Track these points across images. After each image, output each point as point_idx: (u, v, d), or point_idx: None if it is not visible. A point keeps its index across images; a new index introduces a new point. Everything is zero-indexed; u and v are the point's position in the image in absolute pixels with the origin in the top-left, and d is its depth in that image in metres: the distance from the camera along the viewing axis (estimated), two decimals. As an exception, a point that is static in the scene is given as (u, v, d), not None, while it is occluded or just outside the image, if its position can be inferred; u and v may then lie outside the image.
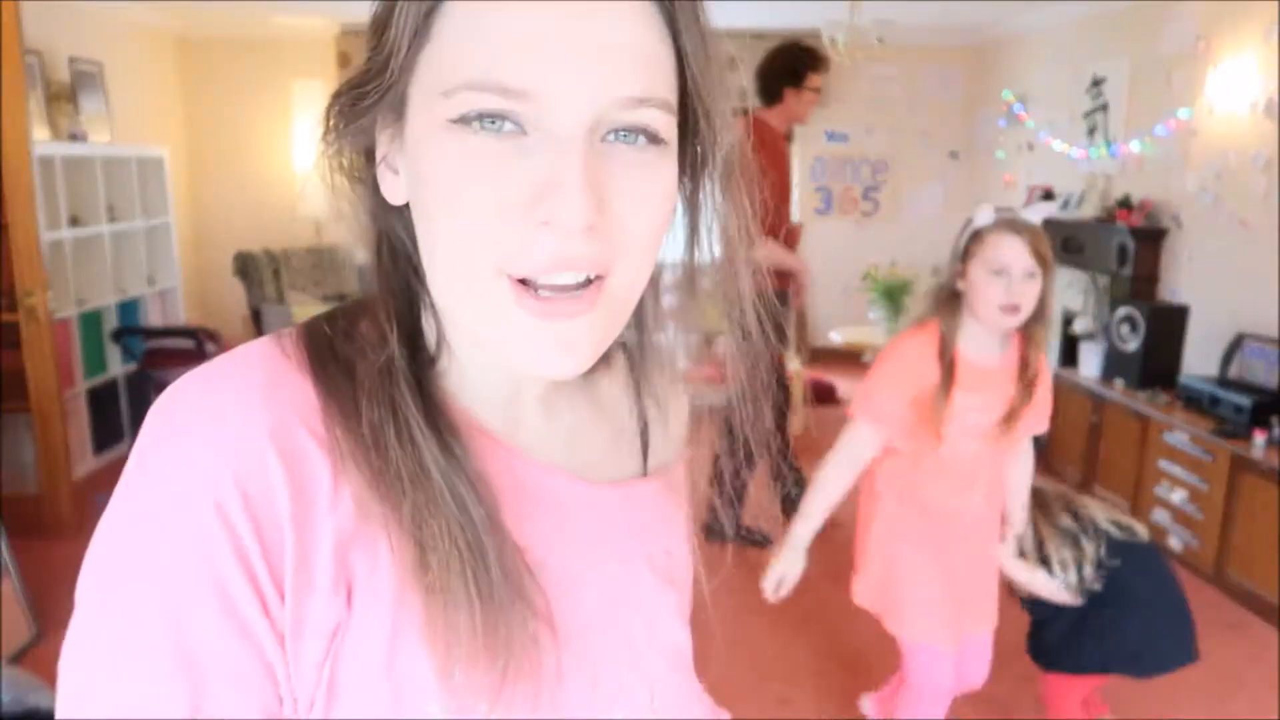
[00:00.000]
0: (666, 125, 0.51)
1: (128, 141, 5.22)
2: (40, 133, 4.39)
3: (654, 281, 0.61)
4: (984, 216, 1.82)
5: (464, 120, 0.48)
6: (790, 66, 3.54)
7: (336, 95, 0.54)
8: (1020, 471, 2.12)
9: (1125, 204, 4.52)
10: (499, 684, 0.51)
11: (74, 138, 4.60)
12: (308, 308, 5.12)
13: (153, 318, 5.09)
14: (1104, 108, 4.94)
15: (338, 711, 0.50)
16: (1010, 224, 1.77)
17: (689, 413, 0.74)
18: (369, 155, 0.56)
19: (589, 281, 0.50)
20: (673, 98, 0.51)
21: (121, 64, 5.39)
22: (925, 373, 1.85)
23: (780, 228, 3.66)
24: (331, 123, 0.54)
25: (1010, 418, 1.87)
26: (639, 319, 0.64)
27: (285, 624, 0.48)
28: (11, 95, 3.28)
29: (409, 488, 0.51)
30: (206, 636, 0.46)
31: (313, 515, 0.49)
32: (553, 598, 0.56)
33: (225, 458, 0.47)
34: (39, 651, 2.83)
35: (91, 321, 4.49)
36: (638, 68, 0.49)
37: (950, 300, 1.86)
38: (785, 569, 1.92)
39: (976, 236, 1.81)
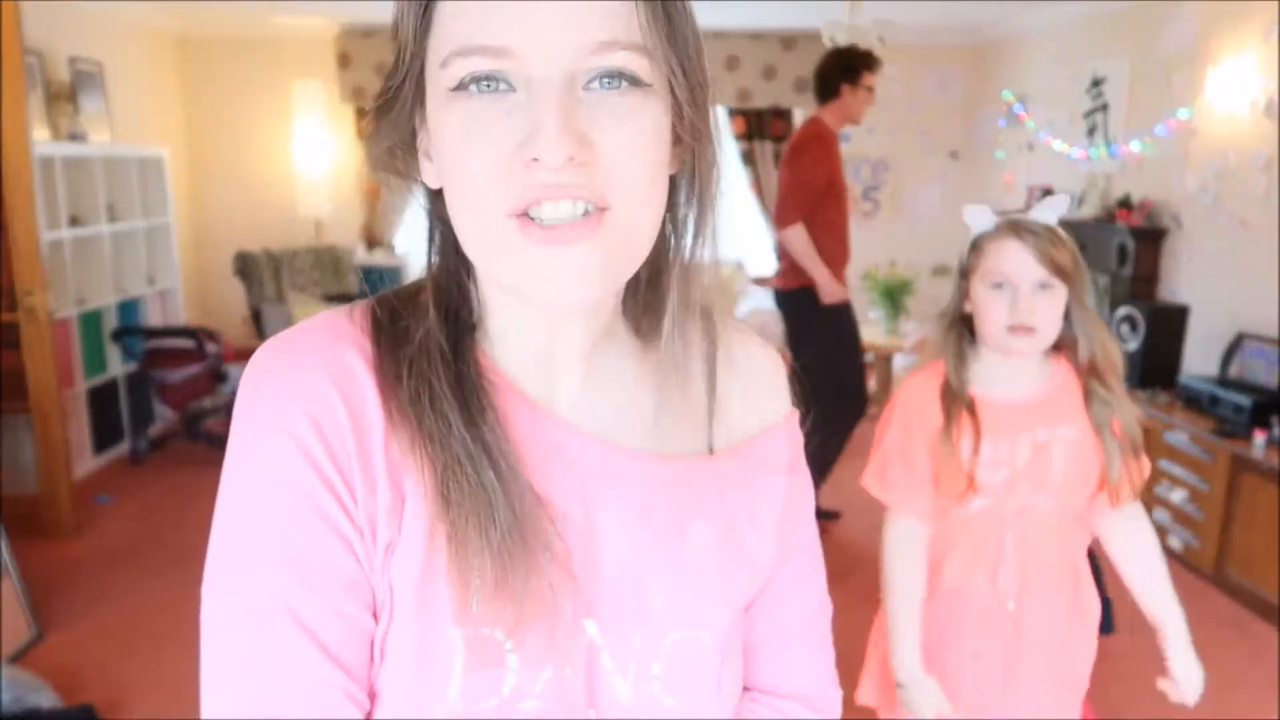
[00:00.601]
0: (644, 68, 0.56)
1: (128, 141, 5.23)
2: (40, 133, 4.39)
3: (706, 229, 0.64)
4: (977, 219, 1.52)
5: (462, 86, 0.55)
6: (848, 64, 3.68)
7: (375, 98, 0.61)
8: (1131, 552, 1.56)
9: (1125, 204, 4.52)
10: (515, 619, 0.58)
11: (74, 138, 4.60)
12: (308, 308, 5.12)
13: (153, 318, 5.09)
14: (1104, 108, 4.94)
15: (393, 629, 0.59)
16: (1013, 227, 1.46)
17: (784, 383, 0.75)
18: (413, 148, 0.63)
19: (588, 214, 0.55)
20: (649, 42, 0.55)
21: (121, 64, 5.39)
22: (936, 417, 1.50)
23: (837, 223, 3.68)
24: (374, 122, 0.62)
25: (1058, 478, 1.46)
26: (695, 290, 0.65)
27: (363, 522, 0.58)
28: (11, 95, 3.28)
29: (438, 449, 0.58)
30: (303, 536, 0.57)
31: (371, 444, 0.58)
32: (575, 550, 0.61)
33: (298, 397, 0.58)
34: (39, 651, 2.83)
35: (91, 321, 4.49)
36: (606, 16, 0.54)
37: (956, 326, 1.55)
38: (920, 704, 1.48)
39: (975, 246, 1.51)
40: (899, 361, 5.39)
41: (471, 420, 0.59)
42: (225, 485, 0.60)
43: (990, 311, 1.46)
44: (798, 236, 3.60)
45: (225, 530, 0.59)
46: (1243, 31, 3.87)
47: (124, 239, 4.85)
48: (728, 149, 6.65)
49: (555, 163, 0.53)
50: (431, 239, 0.66)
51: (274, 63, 6.28)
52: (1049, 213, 1.49)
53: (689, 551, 0.65)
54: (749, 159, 6.56)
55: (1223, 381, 3.68)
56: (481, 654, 0.58)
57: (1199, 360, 3.99)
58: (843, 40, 4.86)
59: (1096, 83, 4.99)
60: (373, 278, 5.92)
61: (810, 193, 3.61)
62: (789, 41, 6.33)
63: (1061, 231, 1.46)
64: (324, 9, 5.66)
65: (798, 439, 0.74)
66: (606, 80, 0.55)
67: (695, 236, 0.64)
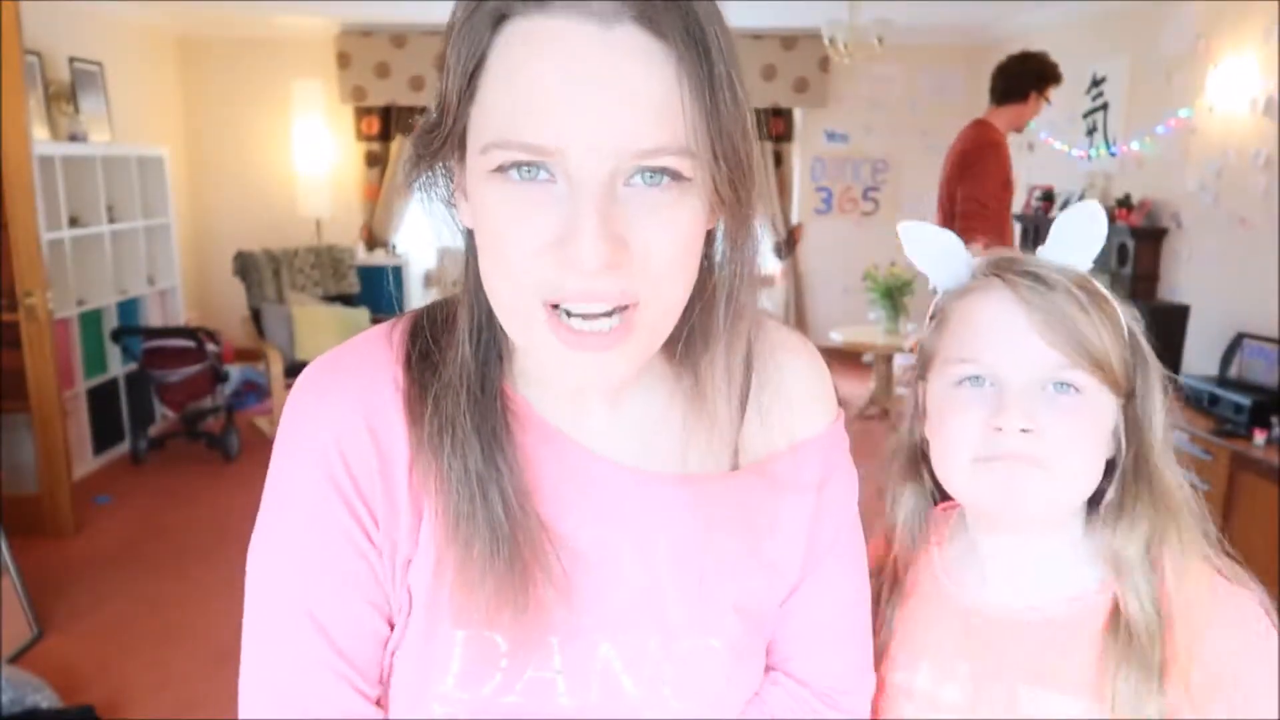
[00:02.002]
0: (687, 165, 0.55)
1: (128, 141, 5.22)
2: (40, 133, 4.39)
3: (748, 274, 0.64)
4: (932, 255, 0.85)
5: (501, 170, 0.55)
6: (1041, 72, 3.61)
7: (416, 135, 0.63)
8: None
9: (1125, 203, 4.52)
10: (510, 627, 0.63)
11: (74, 138, 4.60)
12: (308, 308, 5.12)
13: (153, 318, 5.09)
14: (1104, 107, 4.94)
15: (409, 626, 0.65)
16: (1001, 269, 0.80)
17: (824, 394, 0.74)
18: (451, 180, 0.65)
19: (615, 312, 0.56)
20: (693, 141, 0.54)
21: (121, 64, 5.39)
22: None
23: (1004, 228, 3.62)
24: (415, 156, 0.63)
25: None
26: (724, 312, 0.65)
27: (383, 544, 0.64)
28: (11, 95, 3.28)
29: (453, 482, 0.62)
30: (328, 556, 0.63)
31: (395, 473, 0.64)
32: (585, 572, 0.65)
33: (329, 428, 0.63)
34: (39, 651, 2.83)
35: (91, 321, 4.49)
36: (653, 120, 0.53)
37: (909, 468, 0.88)
38: None
39: (937, 315, 0.85)
40: (899, 361, 5.40)
41: (489, 457, 0.63)
42: (265, 504, 0.66)
43: (956, 425, 0.78)
44: None
45: (262, 548, 0.66)
46: (1243, 31, 3.87)
47: (124, 239, 4.85)
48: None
49: (591, 268, 0.53)
50: (467, 270, 0.66)
51: (274, 63, 6.28)
52: (1075, 245, 0.81)
53: (707, 565, 0.67)
54: (749, 159, 6.56)
55: (1223, 381, 3.68)
56: (479, 651, 0.64)
57: (1199, 360, 3.99)
58: (842, 40, 4.85)
59: (1096, 82, 4.99)
60: (373, 277, 5.93)
61: (998, 205, 3.48)
62: (789, 41, 6.33)
63: (1098, 286, 0.79)
64: (324, 9, 5.67)
65: (838, 446, 0.74)
66: (649, 176, 0.55)
67: (741, 291, 0.64)
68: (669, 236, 0.56)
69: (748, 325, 0.66)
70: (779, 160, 6.62)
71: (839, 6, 4.83)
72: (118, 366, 4.66)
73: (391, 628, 0.66)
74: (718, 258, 0.64)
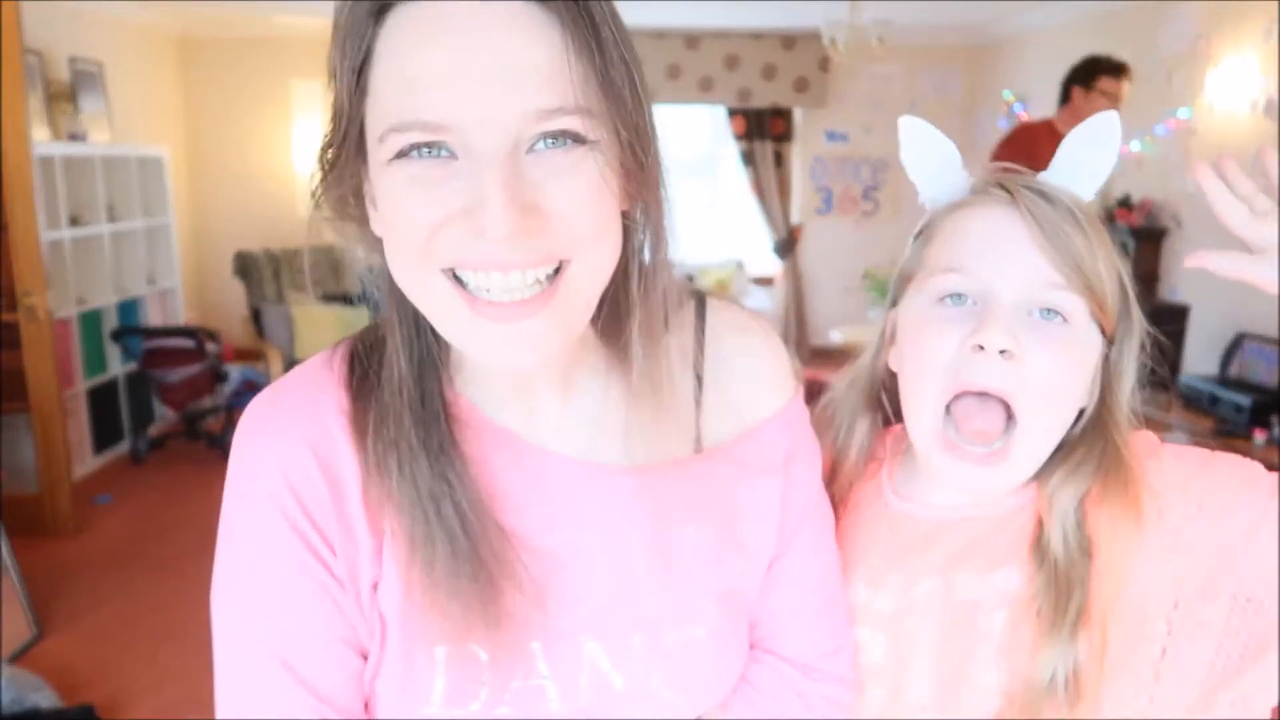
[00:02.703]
0: (588, 126, 0.55)
1: (128, 141, 5.22)
2: (40, 133, 4.39)
3: (664, 273, 0.64)
4: (929, 160, 0.81)
5: (401, 154, 0.55)
6: (1083, 68, 3.64)
7: (320, 151, 0.61)
8: None
9: (1125, 203, 4.52)
10: (487, 639, 0.62)
11: (74, 138, 4.60)
12: (307, 308, 5.12)
13: (153, 318, 5.09)
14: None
15: (386, 649, 0.63)
16: (1004, 182, 0.76)
17: (781, 372, 0.72)
18: (361, 198, 0.63)
19: (540, 283, 0.56)
20: (590, 101, 0.55)
21: (121, 64, 5.39)
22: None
23: None
24: (321, 175, 0.62)
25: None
26: (655, 296, 0.64)
27: (343, 574, 0.62)
28: (11, 95, 3.28)
29: (406, 500, 0.61)
30: (288, 592, 0.62)
31: (347, 499, 0.62)
32: (554, 573, 0.64)
33: (277, 460, 0.62)
34: (39, 651, 2.83)
35: (91, 321, 4.49)
36: (546, 81, 0.53)
37: (867, 399, 0.85)
38: None
39: (924, 233, 0.81)
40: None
41: (438, 473, 0.62)
42: (221, 547, 0.65)
43: (932, 343, 0.74)
44: None
45: (224, 593, 0.65)
46: (1243, 31, 3.87)
47: (124, 239, 4.85)
48: (729, 149, 6.65)
49: (500, 236, 0.53)
50: (390, 284, 0.64)
51: (274, 63, 6.27)
52: (1082, 169, 0.79)
53: (679, 553, 0.66)
54: (749, 159, 6.56)
55: (1223, 381, 3.68)
56: (461, 668, 0.63)
57: (1199, 360, 3.99)
58: (842, 40, 4.85)
59: (1096, 82, 4.99)
60: (372, 277, 5.92)
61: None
62: (789, 41, 6.33)
63: (1089, 214, 0.76)
64: (324, 9, 5.61)
65: (798, 422, 0.73)
66: (550, 140, 0.55)
67: (652, 257, 0.64)
68: (581, 194, 0.55)
69: (663, 297, 0.65)
70: (779, 160, 6.62)
71: (839, 6, 4.83)
72: (118, 366, 4.66)
73: (365, 658, 0.65)
74: (636, 239, 0.63)
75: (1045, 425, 0.73)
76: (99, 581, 3.31)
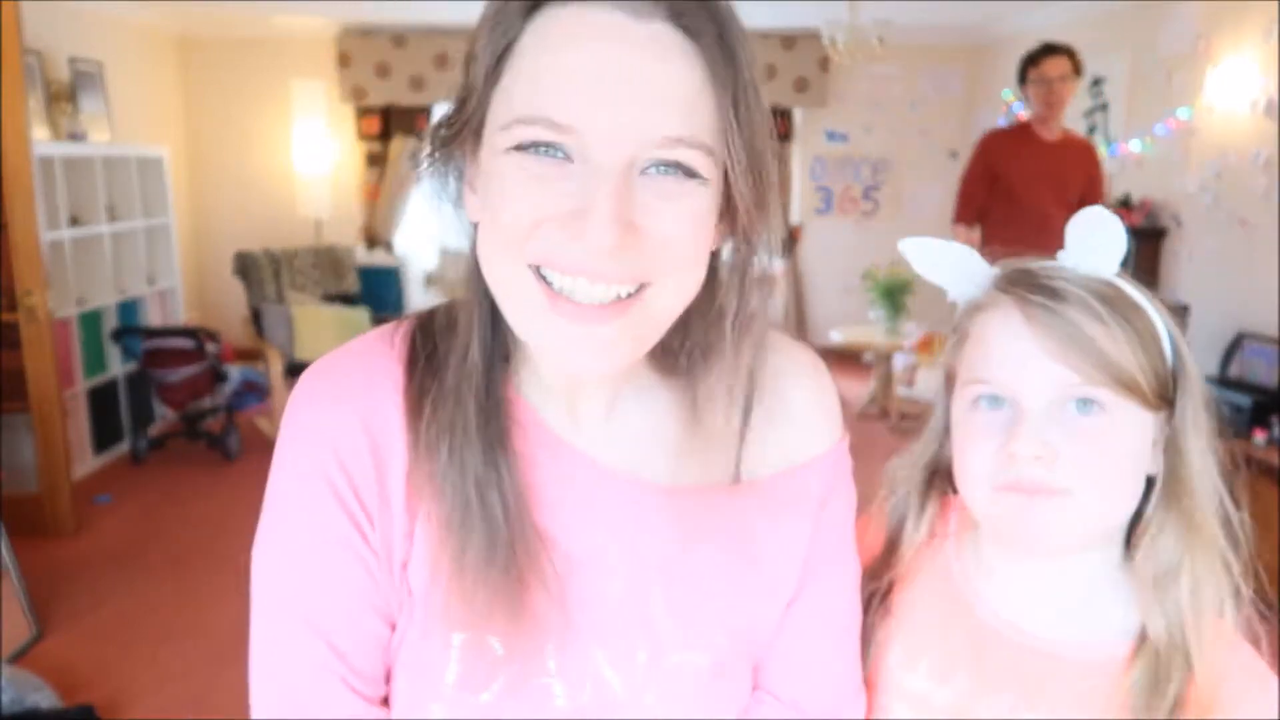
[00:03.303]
0: (704, 164, 0.56)
1: (128, 141, 5.22)
2: (40, 133, 4.39)
3: (757, 290, 0.64)
4: (943, 267, 0.81)
5: (520, 147, 0.56)
6: (1020, 67, 3.69)
7: (435, 127, 0.63)
8: None
9: (1125, 203, 4.52)
10: (507, 632, 0.63)
11: (74, 138, 4.60)
12: (307, 308, 5.12)
13: (153, 318, 5.08)
14: (1104, 107, 4.94)
15: (408, 627, 0.65)
16: (1015, 283, 0.75)
17: (830, 414, 0.72)
18: (462, 179, 0.65)
19: (621, 298, 0.57)
20: (713, 141, 0.56)
21: (121, 64, 5.39)
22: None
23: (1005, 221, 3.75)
24: (431, 149, 0.63)
25: None
26: (730, 325, 0.65)
27: (379, 546, 0.64)
28: (11, 95, 3.28)
29: (451, 488, 0.62)
30: (324, 555, 0.63)
31: (391, 475, 0.64)
32: (577, 576, 0.65)
33: (327, 434, 0.64)
34: (39, 651, 2.83)
35: (91, 321, 4.49)
36: (677, 110, 0.54)
37: (929, 484, 0.85)
38: None
39: (958, 328, 0.80)
40: (899, 361, 5.40)
41: (490, 460, 0.63)
42: (266, 509, 0.66)
43: (971, 450, 0.75)
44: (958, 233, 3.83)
45: (264, 555, 0.66)
46: (1243, 31, 3.87)
47: (124, 239, 4.85)
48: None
49: (602, 247, 0.54)
50: (475, 266, 0.64)
51: (274, 63, 6.28)
52: (1093, 250, 0.76)
53: (696, 579, 0.66)
54: (749, 159, 6.56)
55: (1223, 381, 3.68)
56: (476, 658, 0.64)
57: (1199, 360, 3.97)
58: (842, 40, 4.86)
59: (1096, 82, 4.99)
60: (373, 277, 5.93)
61: (965, 183, 3.85)
62: (789, 41, 6.33)
63: (1129, 288, 0.75)
64: (324, 9, 5.66)
65: (840, 467, 0.73)
66: (663, 168, 0.56)
67: (743, 298, 0.64)
68: (681, 224, 0.56)
69: (754, 342, 0.66)
70: (779, 160, 6.60)
71: (839, 6, 4.83)
72: (118, 366, 4.66)
73: (393, 629, 0.66)
74: (724, 273, 0.64)
75: (1098, 499, 0.72)
76: (99, 581, 3.31)
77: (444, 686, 0.64)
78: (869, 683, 0.79)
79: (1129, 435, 0.72)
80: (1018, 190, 3.69)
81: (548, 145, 0.55)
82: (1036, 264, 0.77)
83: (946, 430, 0.81)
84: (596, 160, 0.54)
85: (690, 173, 0.56)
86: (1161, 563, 0.72)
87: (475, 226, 0.64)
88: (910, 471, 0.85)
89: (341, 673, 0.64)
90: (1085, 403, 0.70)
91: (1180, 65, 4.28)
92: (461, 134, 0.61)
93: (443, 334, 0.66)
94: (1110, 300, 0.72)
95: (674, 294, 0.59)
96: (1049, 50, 3.62)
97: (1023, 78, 3.67)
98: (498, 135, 0.57)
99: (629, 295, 0.57)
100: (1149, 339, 0.73)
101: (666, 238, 0.56)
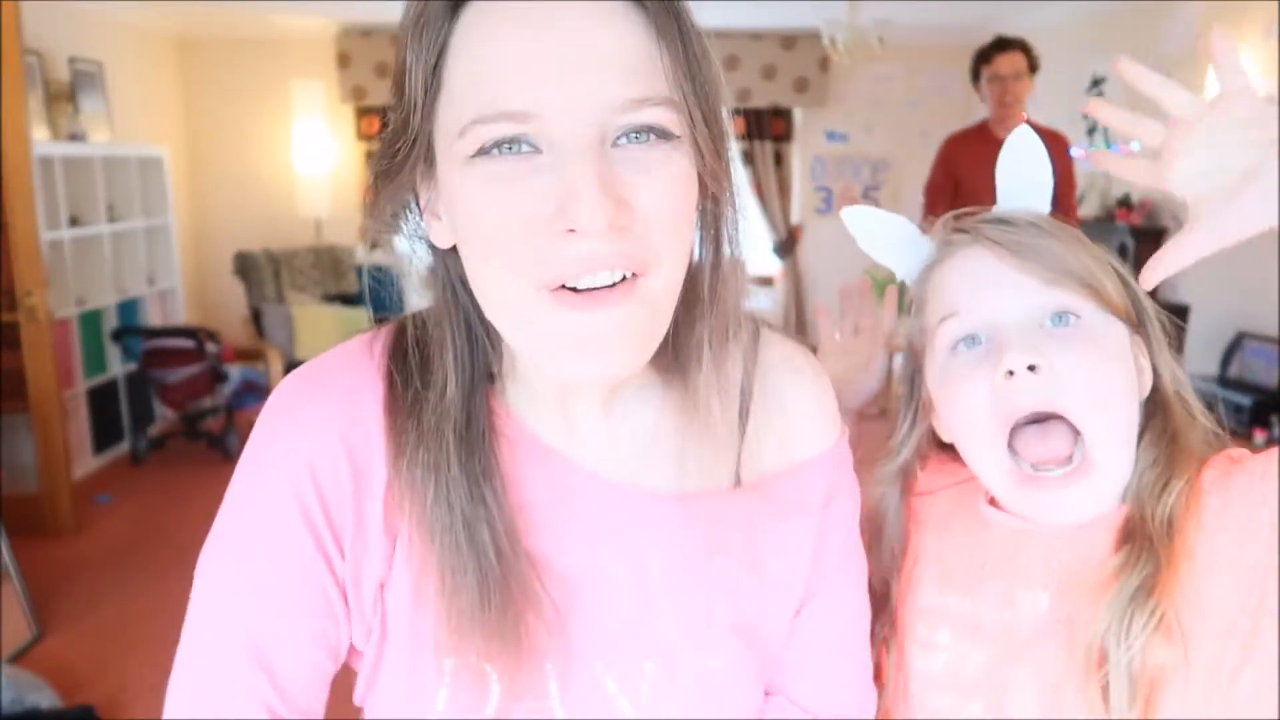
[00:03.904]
0: (673, 120, 0.54)
1: (128, 141, 5.22)
2: (40, 133, 4.39)
3: (735, 279, 0.62)
4: (879, 233, 0.88)
5: (482, 152, 0.52)
6: (972, 63, 3.61)
7: (374, 158, 0.59)
8: None
9: (1125, 203, 4.52)
10: (500, 657, 0.60)
11: (74, 138, 4.60)
12: (307, 308, 5.12)
13: (153, 318, 5.09)
14: (1104, 107, 4.94)
15: (387, 650, 0.62)
16: (967, 227, 0.79)
17: (829, 413, 0.71)
18: (418, 208, 0.61)
19: (623, 280, 0.53)
20: (675, 94, 0.53)
21: (121, 64, 5.39)
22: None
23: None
24: (376, 187, 0.59)
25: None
26: (718, 320, 0.63)
27: (346, 575, 0.60)
28: (11, 95, 3.28)
29: (437, 514, 0.59)
30: (278, 571, 0.59)
31: (369, 495, 0.60)
32: (576, 595, 0.62)
33: (303, 447, 0.59)
34: (39, 651, 2.83)
35: (91, 321, 4.49)
36: (632, 71, 0.52)
37: (901, 478, 0.85)
38: None
39: (916, 292, 0.84)
40: (899, 361, 5.39)
41: (475, 499, 0.59)
42: (223, 514, 0.62)
43: (964, 390, 0.74)
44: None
45: (213, 561, 0.61)
46: (1243, 31, 3.87)
47: (124, 239, 4.84)
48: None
49: (596, 230, 0.51)
50: (446, 294, 0.62)
51: (274, 63, 6.27)
52: (1023, 187, 0.80)
53: (701, 582, 0.65)
54: (749, 159, 6.55)
55: (1223, 381, 3.68)
56: (469, 683, 0.61)
57: (1199, 360, 3.99)
58: (842, 40, 4.86)
59: (1096, 82, 4.99)
60: (373, 278, 5.92)
61: (928, 192, 3.80)
62: (789, 41, 6.33)
63: (1053, 222, 0.78)
64: (324, 9, 5.66)
65: (842, 464, 0.72)
66: (634, 135, 0.53)
67: (712, 278, 0.62)
68: (668, 196, 0.54)
69: (732, 314, 0.63)
70: (779, 160, 6.62)
71: (839, 6, 4.83)
72: (118, 366, 4.66)
73: (337, 663, 0.63)
74: (696, 254, 0.61)
75: (1109, 424, 0.72)
76: (99, 581, 3.31)
77: (436, 708, 0.61)
78: (902, 630, 0.79)
79: (1111, 342, 0.73)
80: (982, 194, 3.65)
81: (512, 141, 0.52)
82: (977, 210, 0.81)
83: (914, 424, 0.84)
84: (565, 143, 0.51)
85: (662, 134, 0.54)
86: (1149, 470, 0.73)
87: (443, 257, 0.60)
88: (885, 472, 0.85)
89: (270, 701, 0.59)
90: (1060, 316, 0.72)
91: (1180, 65, 4.28)
92: (410, 157, 0.56)
93: (420, 346, 0.62)
94: (1054, 224, 0.76)
95: (667, 278, 0.56)
96: (1000, 45, 3.49)
97: (975, 75, 3.54)
98: (455, 145, 0.53)
99: (626, 280, 0.54)
100: (1096, 255, 0.76)
101: (656, 211, 0.54)
